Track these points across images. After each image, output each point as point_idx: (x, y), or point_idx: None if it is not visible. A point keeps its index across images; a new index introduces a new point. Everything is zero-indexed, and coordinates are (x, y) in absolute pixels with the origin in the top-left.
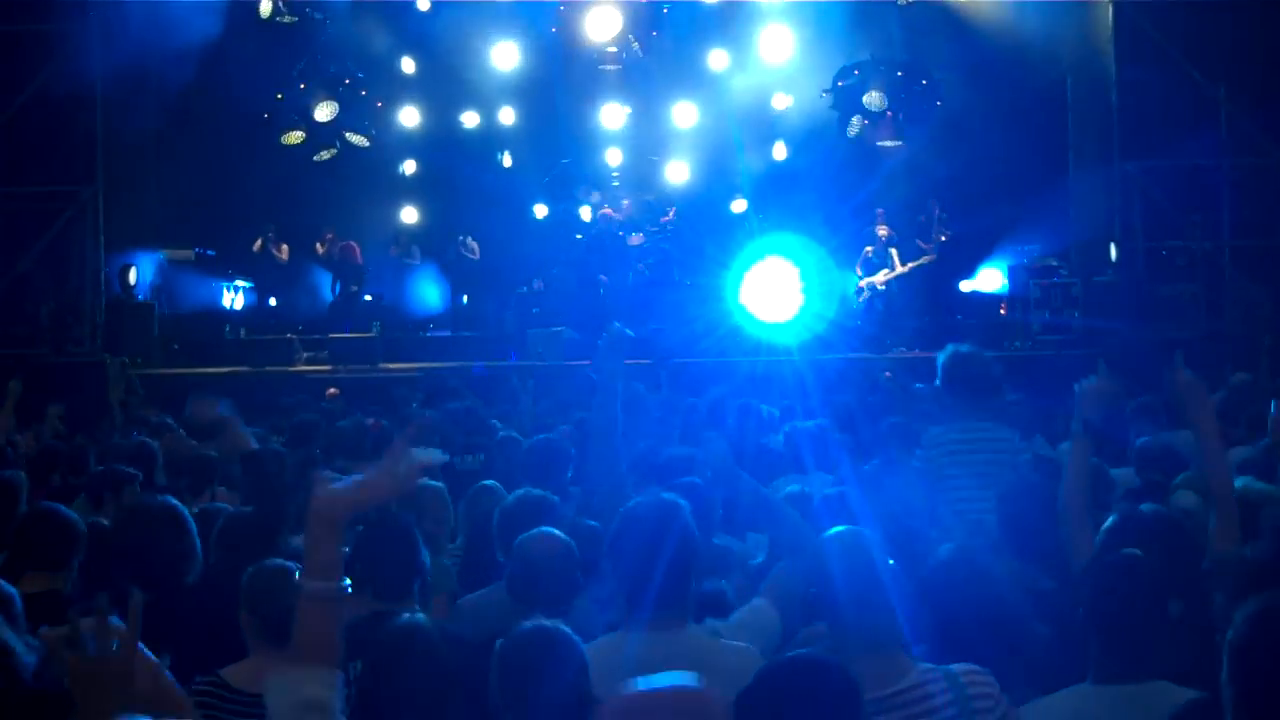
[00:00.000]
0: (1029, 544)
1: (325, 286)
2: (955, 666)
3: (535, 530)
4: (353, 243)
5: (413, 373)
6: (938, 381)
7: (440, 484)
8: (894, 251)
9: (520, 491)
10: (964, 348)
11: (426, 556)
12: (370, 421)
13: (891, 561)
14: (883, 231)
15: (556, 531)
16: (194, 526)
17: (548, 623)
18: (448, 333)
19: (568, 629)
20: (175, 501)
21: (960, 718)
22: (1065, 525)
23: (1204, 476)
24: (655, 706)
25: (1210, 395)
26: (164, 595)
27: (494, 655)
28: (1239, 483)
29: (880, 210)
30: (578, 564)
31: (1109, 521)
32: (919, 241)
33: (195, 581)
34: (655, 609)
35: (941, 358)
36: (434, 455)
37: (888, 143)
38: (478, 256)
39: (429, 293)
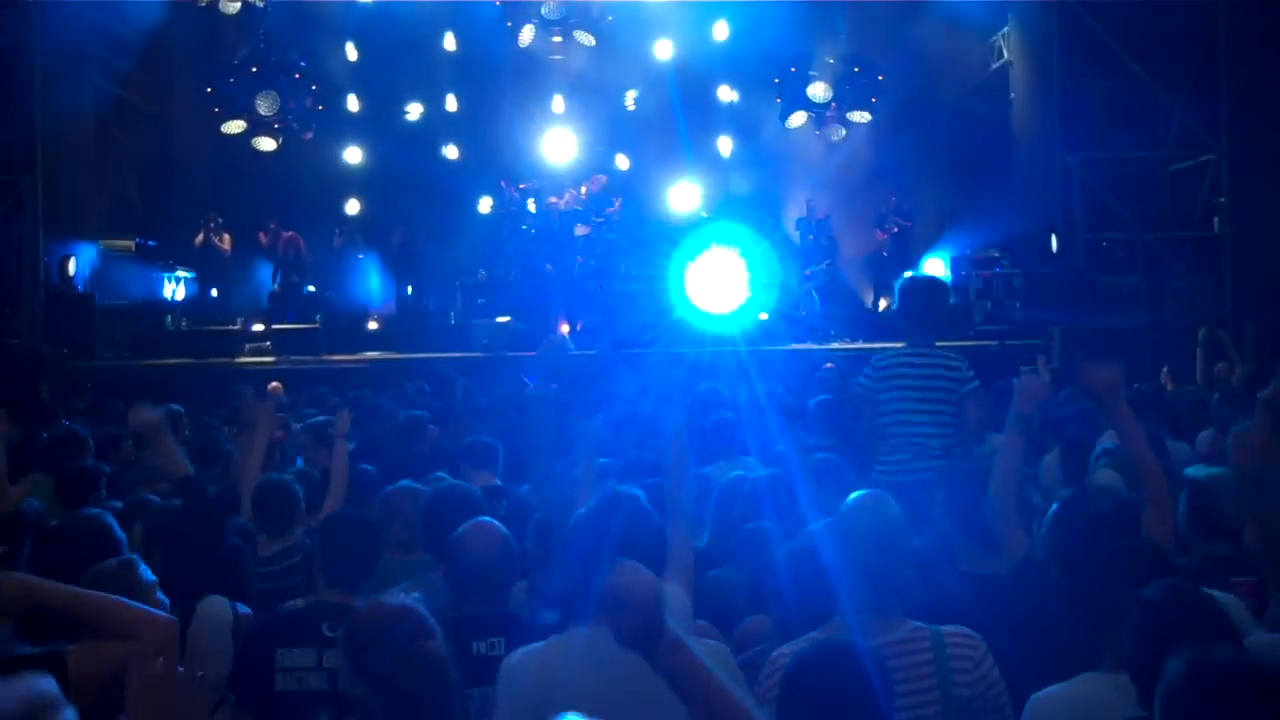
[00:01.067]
0: (978, 529)
1: (268, 277)
2: (946, 627)
3: (472, 521)
4: (295, 234)
5: (359, 364)
6: (895, 305)
7: (412, 484)
8: (835, 239)
9: (443, 485)
10: (921, 275)
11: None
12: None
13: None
14: (821, 216)
15: (493, 522)
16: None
17: (399, 597)
18: (392, 322)
19: (418, 602)
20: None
21: (936, 675)
22: (997, 519)
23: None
24: None
25: (1119, 380)
26: None
27: (343, 633)
28: (1193, 470)
29: (808, 198)
30: (514, 554)
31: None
32: (877, 232)
33: None
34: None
35: (899, 282)
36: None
37: (831, 134)
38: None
39: (373, 283)
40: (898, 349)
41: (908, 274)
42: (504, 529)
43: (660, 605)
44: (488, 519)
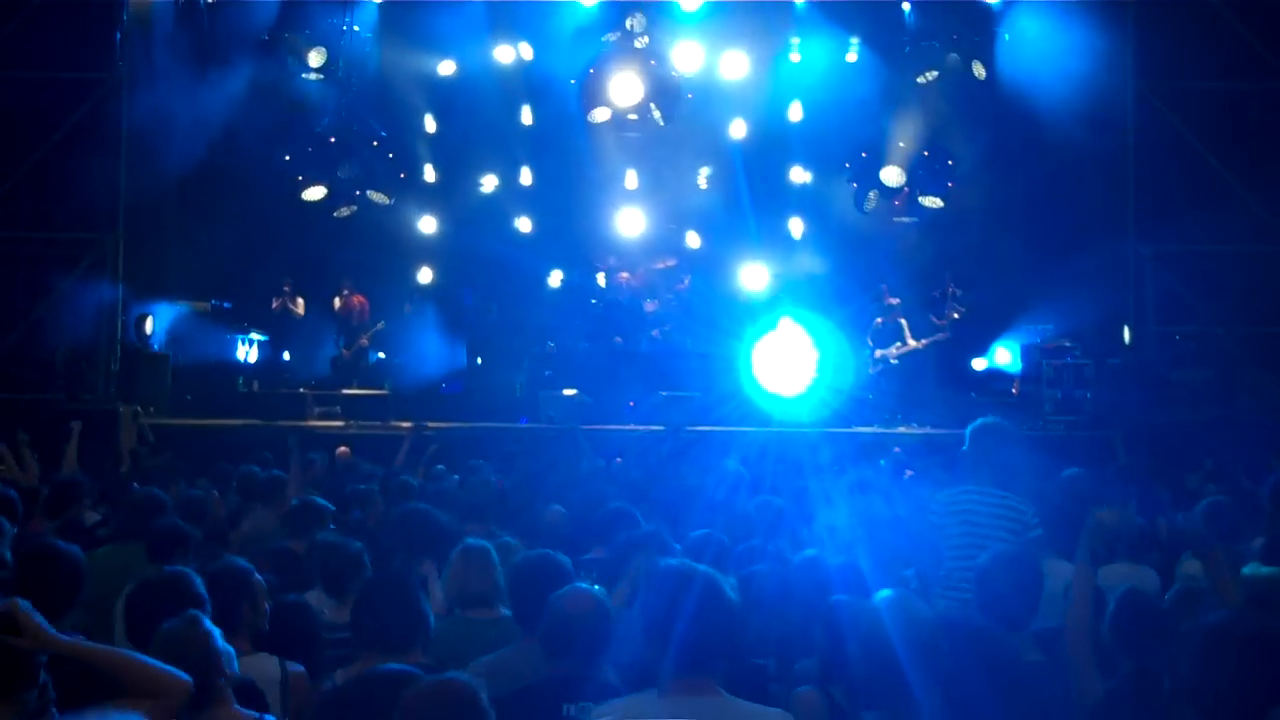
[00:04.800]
0: (1012, 613)
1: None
2: None
3: (569, 586)
4: (363, 297)
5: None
6: (965, 446)
7: (486, 544)
8: (904, 323)
9: (534, 552)
10: (993, 419)
11: (428, 609)
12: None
13: None
14: (892, 301)
15: (590, 587)
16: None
17: (450, 674)
18: (460, 390)
19: (468, 679)
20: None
21: None
22: (1072, 653)
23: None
24: None
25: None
26: None
27: (399, 704)
28: (1250, 569)
29: (884, 285)
30: (608, 620)
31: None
32: (933, 317)
33: None
34: (676, 673)
35: (970, 426)
36: None
37: (904, 218)
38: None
39: (442, 352)
40: (965, 487)
41: (980, 420)
42: (600, 595)
43: None
44: (584, 585)
